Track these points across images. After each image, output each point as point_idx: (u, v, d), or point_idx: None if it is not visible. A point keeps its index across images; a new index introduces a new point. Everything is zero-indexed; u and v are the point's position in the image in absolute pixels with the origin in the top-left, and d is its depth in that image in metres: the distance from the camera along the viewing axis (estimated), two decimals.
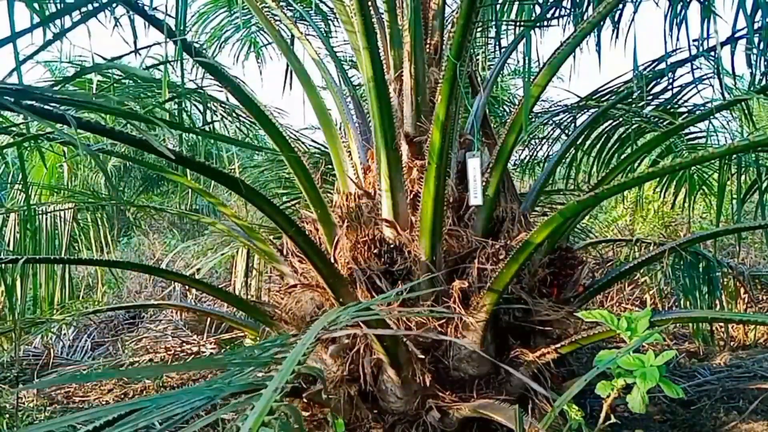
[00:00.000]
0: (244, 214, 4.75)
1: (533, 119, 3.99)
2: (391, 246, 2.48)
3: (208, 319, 4.66)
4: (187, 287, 5.33)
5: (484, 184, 2.52)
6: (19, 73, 1.17)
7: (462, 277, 2.45)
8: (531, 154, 4.49)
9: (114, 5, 1.88)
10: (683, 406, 3.14)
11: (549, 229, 2.12)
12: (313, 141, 4.47)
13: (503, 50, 3.25)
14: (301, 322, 2.64)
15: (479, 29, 3.63)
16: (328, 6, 4.08)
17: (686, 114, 3.31)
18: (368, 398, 2.49)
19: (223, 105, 3.87)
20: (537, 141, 4.44)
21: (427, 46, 2.64)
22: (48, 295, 3.29)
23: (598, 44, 2.79)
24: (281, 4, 3.38)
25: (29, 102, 1.32)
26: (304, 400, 2.58)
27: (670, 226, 5.89)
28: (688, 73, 3.07)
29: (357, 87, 3.72)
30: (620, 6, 2.80)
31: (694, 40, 2.58)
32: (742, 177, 3.20)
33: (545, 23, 3.12)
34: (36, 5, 1.62)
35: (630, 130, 3.56)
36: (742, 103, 3.23)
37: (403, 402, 2.42)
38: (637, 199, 5.77)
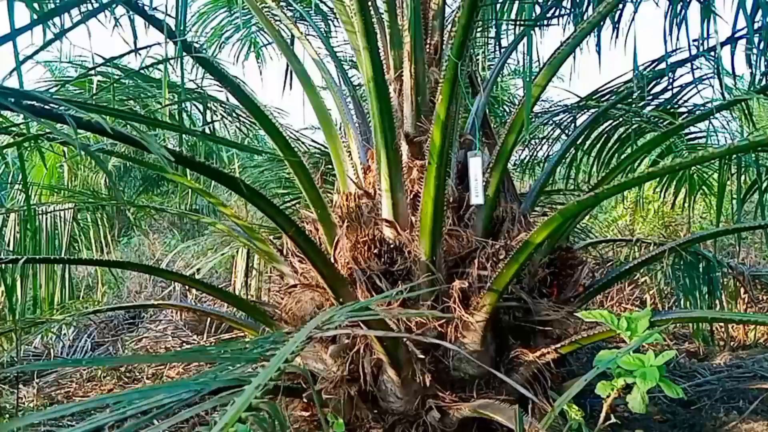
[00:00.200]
0: (244, 214, 4.76)
1: (533, 119, 3.99)
2: (391, 246, 2.48)
3: (208, 319, 4.66)
4: (187, 287, 5.33)
5: (484, 183, 2.52)
6: (20, 74, 1.17)
7: (462, 277, 2.45)
8: (531, 154, 4.49)
9: (114, 5, 1.87)
10: (683, 406, 3.14)
11: (549, 229, 2.12)
12: (313, 141, 4.47)
13: (503, 50, 3.25)
14: (301, 323, 2.64)
15: (479, 29, 3.63)
16: (328, 6, 4.08)
17: (686, 114, 3.31)
18: (368, 398, 2.49)
19: (223, 105, 3.87)
20: (537, 141, 4.44)
21: (427, 46, 2.64)
22: (48, 295, 3.28)
23: (598, 44, 2.79)
24: (281, 4, 3.38)
25: (29, 102, 1.32)
26: (304, 400, 2.59)
27: (670, 226, 5.89)
28: (688, 73, 3.07)
29: (357, 87, 3.72)
30: (620, 6, 2.81)
31: (694, 40, 2.59)
32: (742, 177, 3.20)
33: (545, 23, 3.12)
34: (36, 5, 1.62)
35: (630, 130, 3.56)
36: (742, 103, 3.23)
37: (403, 402, 2.42)
38: (637, 199, 5.77)
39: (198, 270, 4.30)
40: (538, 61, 2.96)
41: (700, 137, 3.61)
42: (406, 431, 2.43)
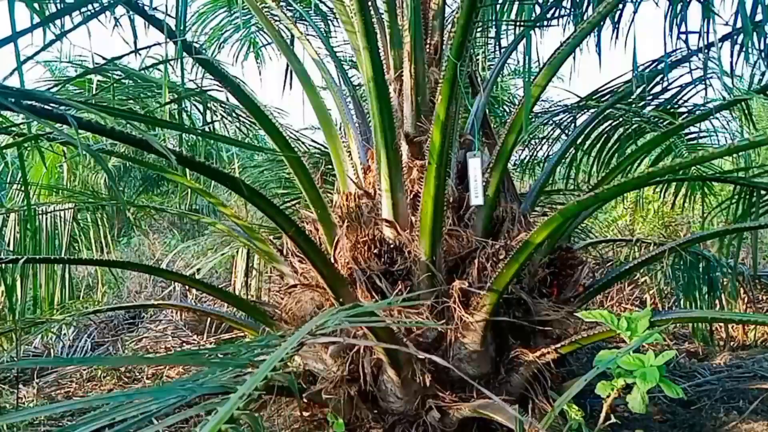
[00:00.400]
0: (244, 214, 4.75)
1: (533, 119, 3.99)
2: (391, 246, 2.48)
3: (208, 319, 4.66)
4: (187, 287, 5.33)
5: (484, 184, 2.52)
6: (21, 74, 1.17)
7: (462, 277, 2.45)
8: (531, 154, 4.49)
9: (114, 5, 1.87)
10: (683, 406, 3.14)
11: (549, 229, 2.12)
12: (313, 141, 4.47)
13: (503, 50, 3.25)
14: (301, 323, 2.64)
15: (479, 29, 3.63)
16: (328, 6, 4.08)
17: (686, 114, 3.32)
18: (368, 398, 2.49)
19: (223, 105, 3.87)
20: (537, 141, 4.44)
21: (427, 46, 2.64)
22: (48, 295, 3.28)
23: (598, 44, 2.79)
24: (281, 4, 3.38)
25: (29, 102, 1.32)
26: (304, 400, 2.59)
27: (670, 226, 5.89)
28: (688, 73, 3.08)
29: (357, 87, 3.72)
30: (620, 6, 2.80)
31: (691, 32, 2.58)
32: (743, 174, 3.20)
33: (545, 23, 3.12)
34: (36, 5, 1.62)
35: (630, 130, 3.56)
36: (742, 103, 3.23)
37: (403, 402, 2.42)
38: (637, 199, 5.77)
39: (198, 270, 4.30)
40: (538, 61, 2.96)
41: (700, 137, 3.61)
42: (406, 431, 2.43)
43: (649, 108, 3.30)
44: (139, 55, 2.03)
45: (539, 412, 2.43)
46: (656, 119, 3.24)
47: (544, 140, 4.33)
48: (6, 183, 4.43)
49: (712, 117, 3.06)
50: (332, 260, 2.53)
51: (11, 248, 3.23)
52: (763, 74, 2.76)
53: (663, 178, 3.53)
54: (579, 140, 3.54)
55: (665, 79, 3.19)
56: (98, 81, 3.16)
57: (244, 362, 1.03)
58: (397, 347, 2.23)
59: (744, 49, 2.62)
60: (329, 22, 4.22)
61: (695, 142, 3.61)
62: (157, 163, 3.17)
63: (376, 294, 2.39)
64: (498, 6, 3.26)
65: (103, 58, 2.18)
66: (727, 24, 2.47)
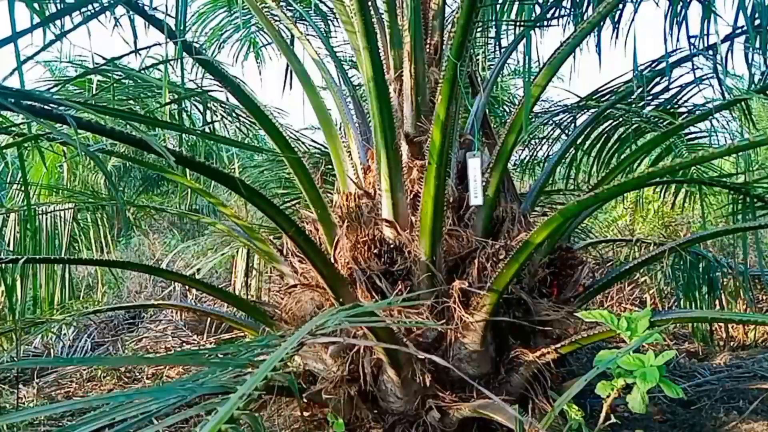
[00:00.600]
0: (244, 214, 4.75)
1: (533, 119, 3.99)
2: (391, 246, 2.48)
3: (208, 319, 4.66)
4: (187, 287, 5.33)
5: (484, 184, 2.52)
6: (21, 74, 1.17)
7: (462, 277, 2.45)
8: (531, 154, 4.49)
9: (114, 5, 1.87)
10: (683, 406, 3.14)
11: (549, 229, 2.12)
12: (313, 141, 4.47)
13: (503, 50, 3.25)
14: (301, 322, 2.64)
15: (479, 29, 3.63)
16: (328, 6, 4.08)
17: (686, 114, 3.32)
18: (368, 398, 2.49)
19: (223, 105, 3.87)
20: (537, 141, 4.44)
21: (427, 46, 2.64)
22: (48, 295, 3.28)
23: (598, 44, 2.79)
24: (281, 4, 3.38)
25: (29, 102, 1.32)
26: (304, 400, 2.59)
27: (670, 226, 5.89)
28: (688, 73, 3.08)
29: (357, 87, 3.72)
30: (620, 6, 2.81)
31: (692, 36, 2.58)
32: (742, 177, 3.21)
33: (545, 23, 3.12)
34: (36, 5, 1.62)
35: (630, 130, 3.56)
36: (742, 102, 3.23)
37: (403, 402, 2.42)
38: (637, 199, 5.77)
39: (198, 270, 4.30)
40: (538, 61, 2.96)
41: (700, 137, 3.61)
42: (406, 431, 2.43)
43: (649, 108, 3.30)
44: (139, 55, 2.03)
45: (539, 412, 2.43)
46: (656, 119, 3.25)
47: (544, 140, 4.33)
48: (6, 183, 4.43)
49: (712, 117, 3.06)
50: (332, 260, 2.53)
51: (11, 248, 3.23)
52: (763, 74, 2.76)
53: (663, 179, 3.54)
54: (579, 140, 3.54)
55: (665, 78, 3.19)
56: (98, 81, 3.16)
57: (244, 362, 1.04)
58: (397, 347, 2.23)
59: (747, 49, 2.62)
60: (329, 22, 4.22)
61: (695, 142, 3.61)
62: (157, 163, 3.17)
63: (376, 294, 2.39)
64: (498, 6, 3.26)
65: (103, 58, 2.18)
66: (728, 25, 2.48)
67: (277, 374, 0.91)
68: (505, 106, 5.55)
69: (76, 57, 3.52)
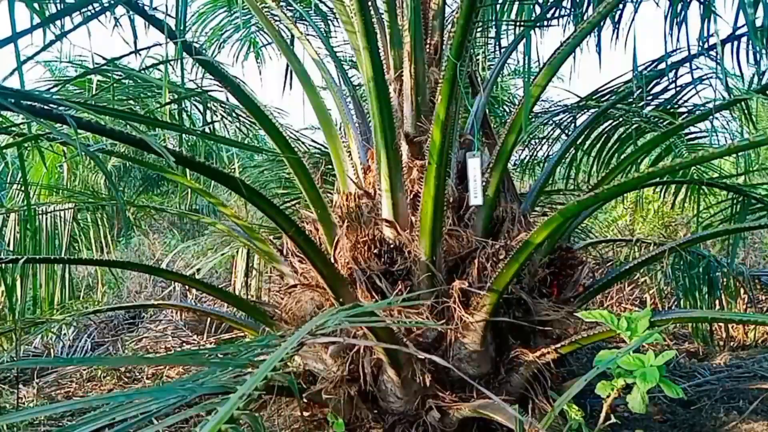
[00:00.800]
0: (244, 214, 4.75)
1: (533, 119, 3.99)
2: (391, 246, 2.48)
3: (208, 319, 4.66)
4: (187, 287, 5.33)
5: (484, 184, 2.52)
6: (21, 74, 1.17)
7: (462, 277, 2.45)
8: (531, 154, 4.49)
9: (114, 6, 1.87)
10: (683, 406, 3.14)
11: (549, 229, 2.12)
12: (313, 141, 4.47)
13: (503, 50, 3.25)
14: (301, 322, 2.64)
15: (479, 29, 3.63)
16: (328, 6, 4.08)
17: (686, 114, 3.32)
18: (368, 398, 2.49)
19: (223, 105, 3.87)
20: (537, 141, 4.44)
21: (427, 46, 2.64)
22: (48, 295, 3.28)
23: (598, 44, 2.79)
24: (281, 4, 3.38)
25: (29, 102, 1.32)
26: (304, 400, 2.59)
27: (670, 226, 5.89)
28: (688, 73, 3.07)
29: (357, 87, 3.72)
30: (620, 6, 2.81)
31: (695, 39, 2.58)
32: (742, 179, 3.21)
33: (545, 23, 3.12)
34: (36, 5, 1.62)
35: (630, 130, 3.56)
36: (742, 103, 3.23)
37: (403, 402, 2.42)
38: (637, 199, 5.77)
39: (198, 270, 4.30)
40: (538, 61, 2.96)
41: (700, 137, 3.61)
42: (406, 431, 2.43)
43: (649, 108, 3.30)
44: (139, 55, 2.03)
45: (539, 412, 2.43)
46: (656, 119, 3.25)
47: (544, 140, 4.33)
48: (6, 183, 4.43)
49: (712, 117, 3.06)
50: (332, 260, 2.53)
51: (11, 248, 3.23)
52: (763, 74, 2.76)
53: (663, 179, 3.54)
54: (579, 140, 3.54)
55: (665, 78, 3.19)
56: (98, 81, 3.16)
57: (244, 362, 1.04)
58: (397, 347, 2.23)
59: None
60: (329, 22, 4.22)
61: (695, 142, 3.61)
62: (157, 163, 3.17)
63: (376, 294, 2.39)
64: (498, 6, 3.26)
65: (103, 58, 2.18)
66: (727, 24, 2.47)
67: (277, 374, 0.91)
68: (505, 106, 5.55)
69: (76, 57, 3.53)
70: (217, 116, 3.93)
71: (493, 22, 3.44)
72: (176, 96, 3.15)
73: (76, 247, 3.94)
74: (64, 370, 4.09)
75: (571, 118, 3.82)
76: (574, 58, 2.82)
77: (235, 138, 4.04)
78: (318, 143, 4.39)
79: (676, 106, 3.33)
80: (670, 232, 5.77)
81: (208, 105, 3.76)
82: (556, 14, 3.02)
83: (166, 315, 5.19)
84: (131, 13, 2.05)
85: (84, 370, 4.07)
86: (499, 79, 4.69)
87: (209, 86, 3.31)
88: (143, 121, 2.07)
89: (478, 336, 2.38)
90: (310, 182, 2.62)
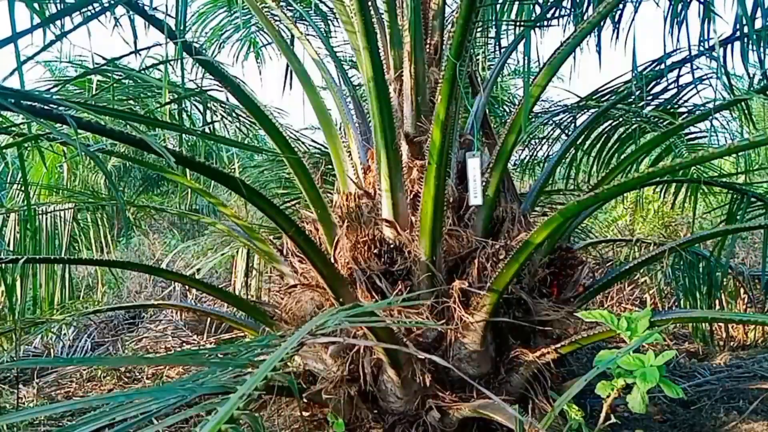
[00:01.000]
0: (244, 214, 4.76)
1: (533, 119, 3.99)
2: (391, 246, 2.48)
3: (208, 319, 4.66)
4: (187, 287, 5.33)
5: (484, 184, 2.52)
6: (21, 74, 1.17)
7: (462, 277, 2.45)
8: (531, 154, 4.49)
9: (114, 6, 1.87)
10: (683, 406, 3.14)
11: (549, 229, 2.12)
12: (313, 141, 4.47)
13: (503, 50, 3.25)
14: (301, 323, 2.64)
15: (479, 29, 3.63)
16: (328, 6, 4.08)
17: (686, 114, 3.32)
18: (368, 398, 2.49)
19: (223, 105, 3.88)
20: (537, 141, 4.44)
21: (427, 46, 2.64)
22: (48, 295, 3.28)
23: (598, 44, 2.79)
24: (281, 4, 3.38)
25: (29, 102, 1.32)
26: (304, 400, 2.59)
27: (670, 226, 5.89)
28: (688, 73, 3.08)
29: (357, 87, 3.72)
30: (620, 6, 2.81)
31: (701, 42, 2.58)
32: (743, 178, 3.21)
33: (545, 23, 3.12)
34: (36, 5, 1.62)
35: (630, 130, 3.56)
36: (742, 103, 3.23)
37: (403, 402, 2.42)
38: (637, 199, 5.77)
39: (198, 270, 4.30)
40: (538, 61, 2.96)
41: (700, 137, 3.61)
42: (406, 431, 2.43)
43: (649, 108, 3.30)
44: (139, 55, 2.02)
45: (539, 412, 2.43)
46: (656, 119, 3.25)
47: (544, 140, 4.33)
48: (6, 183, 4.43)
49: (712, 117, 3.06)
50: (332, 260, 2.53)
51: (11, 248, 3.23)
52: (763, 74, 2.76)
53: (663, 178, 3.54)
54: (579, 140, 3.54)
55: (665, 79, 3.19)
56: (98, 81, 3.16)
57: (244, 362, 1.04)
58: (397, 347, 2.23)
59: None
60: (329, 22, 4.23)
61: (695, 142, 3.61)
62: (157, 163, 3.17)
63: (376, 294, 2.39)
64: (498, 6, 3.26)
65: (103, 59, 2.18)
66: (727, 23, 2.47)
67: (277, 374, 0.91)
68: (505, 106, 5.55)
69: (76, 57, 3.53)
70: (217, 116, 3.93)
71: (493, 22, 3.44)
72: (176, 96, 3.15)
73: (76, 247, 3.95)
74: (64, 370, 4.09)
75: (571, 118, 3.82)
76: (574, 58, 2.83)
77: (235, 138, 4.04)
78: (318, 143, 4.40)
79: (676, 106, 3.33)
80: (670, 232, 5.77)
81: (208, 105, 3.76)
82: (556, 14, 3.02)
83: (166, 315, 5.19)
84: (131, 13, 2.05)
85: (84, 370, 4.07)
86: (499, 79, 4.69)
87: (209, 86, 3.31)
88: (143, 121, 2.07)
89: (478, 336, 2.38)
90: (310, 182, 2.62)
